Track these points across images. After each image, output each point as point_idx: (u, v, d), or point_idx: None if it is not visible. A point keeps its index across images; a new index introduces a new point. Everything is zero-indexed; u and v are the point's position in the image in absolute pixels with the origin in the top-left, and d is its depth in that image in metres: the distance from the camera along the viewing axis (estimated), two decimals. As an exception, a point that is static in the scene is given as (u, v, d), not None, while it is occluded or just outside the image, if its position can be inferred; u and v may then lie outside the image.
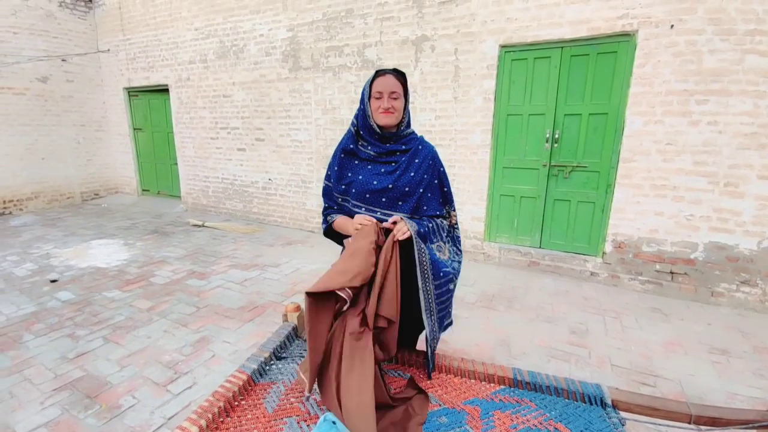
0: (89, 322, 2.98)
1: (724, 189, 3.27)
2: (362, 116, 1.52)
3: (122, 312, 3.15)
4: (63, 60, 6.82)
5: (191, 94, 6.34)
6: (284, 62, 5.28)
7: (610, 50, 3.54)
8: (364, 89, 1.51)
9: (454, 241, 1.62)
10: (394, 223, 1.41)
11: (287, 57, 5.24)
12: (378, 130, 1.50)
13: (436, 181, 1.57)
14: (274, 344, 1.61)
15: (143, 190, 7.80)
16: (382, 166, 1.52)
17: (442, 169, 1.60)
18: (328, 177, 1.63)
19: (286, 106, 5.41)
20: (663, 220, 3.51)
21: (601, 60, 3.59)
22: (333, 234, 1.66)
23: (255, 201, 6.09)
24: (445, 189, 1.60)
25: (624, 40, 3.46)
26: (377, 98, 1.46)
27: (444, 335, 2.78)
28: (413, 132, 1.60)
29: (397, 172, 1.50)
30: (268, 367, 1.52)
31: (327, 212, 1.66)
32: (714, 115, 3.21)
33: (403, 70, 4.29)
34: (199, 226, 5.81)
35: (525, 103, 3.97)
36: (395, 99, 1.46)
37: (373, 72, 1.54)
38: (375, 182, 1.50)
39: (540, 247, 4.17)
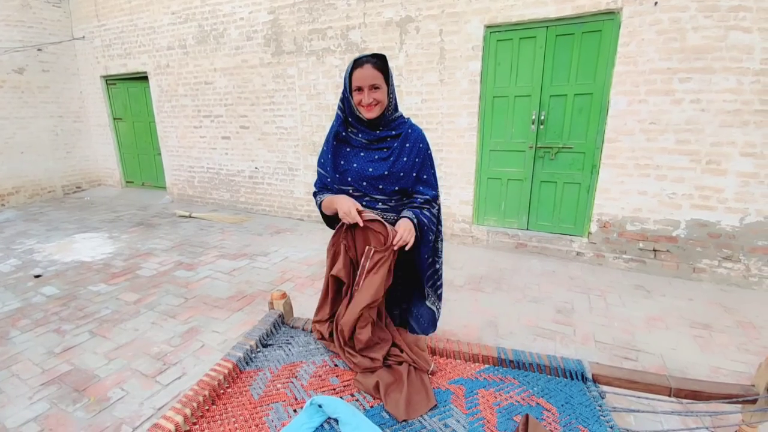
0: (75, 317, 2.95)
1: (706, 167, 3.31)
2: (348, 106, 1.49)
3: (108, 305, 3.12)
4: (38, 50, 6.57)
5: (171, 82, 6.17)
6: (266, 46, 5.15)
7: (595, 29, 3.51)
8: (345, 78, 1.47)
9: (438, 222, 1.65)
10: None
11: (269, 41, 5.11)
12: (365, 120, 1.48)
13: (429, 163, 1.58)
14: (260, 332, 1.60)
15: (127, 181, 7.65)
16: (376, 153, 1.51)
17: (429, 152, 1.60)
18: (321, 164, 1.62)
19: (270, 92, 5.30)
20: (646, 198, 3.55)
21: (585, 39, 3.56)
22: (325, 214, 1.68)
23: (242, 190, 6.02)
24: (432, 171, 1.61)
25: (608, 18, 3.44)
26: (358, 92, 1.43)
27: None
28: (401, 115, 1.58)
29: (392, 158, 1.49)
30: (254, 355, 1.52)
31: (316, 194, 1.68)
32: (697, 92, 3.22)
33: (388, 52, 4.30)
34: (186, 217, 5.74)
35: (511, 85, 3.95)
36: (377, 90, 1.42)
37: (353, 58, 1.51)
38: (370, 169, 1.50)
39: (527, 229, 4.21)
